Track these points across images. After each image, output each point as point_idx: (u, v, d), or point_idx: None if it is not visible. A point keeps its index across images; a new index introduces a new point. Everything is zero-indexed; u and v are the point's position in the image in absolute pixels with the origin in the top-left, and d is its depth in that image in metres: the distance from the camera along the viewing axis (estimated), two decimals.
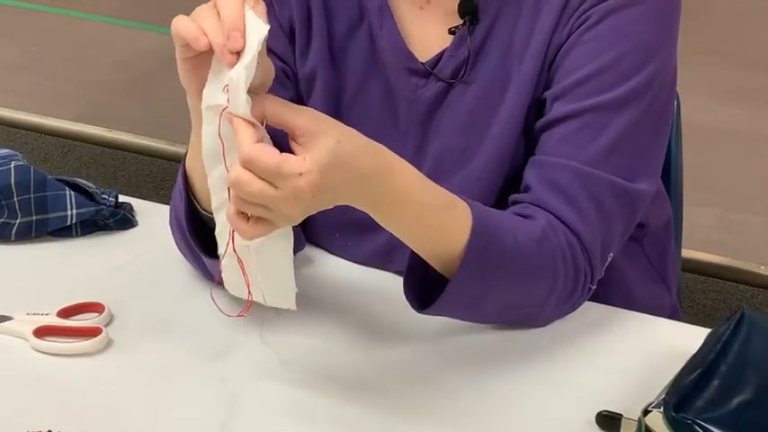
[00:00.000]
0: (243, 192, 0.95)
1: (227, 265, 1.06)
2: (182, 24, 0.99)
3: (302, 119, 0.98)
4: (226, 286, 1.10)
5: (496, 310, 1.18)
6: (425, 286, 1.13)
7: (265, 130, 0.98)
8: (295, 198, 0.96)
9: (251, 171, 0.94)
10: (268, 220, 0.98)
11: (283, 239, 1.04)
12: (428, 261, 1.12)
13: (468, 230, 1.09)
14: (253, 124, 0.96)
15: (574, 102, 1.19)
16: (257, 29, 0.96)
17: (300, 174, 0.95)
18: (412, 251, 1.12)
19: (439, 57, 1.25)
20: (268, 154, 0.94)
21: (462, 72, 1.24)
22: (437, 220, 1.09)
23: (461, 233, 1.09)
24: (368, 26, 1.27)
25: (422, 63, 1.25)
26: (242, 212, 0.98)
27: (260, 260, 1.04)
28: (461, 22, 1.23)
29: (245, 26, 0.96)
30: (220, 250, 1.07)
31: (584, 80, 1.19)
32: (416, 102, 1.26)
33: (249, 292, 1.06)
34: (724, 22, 4.14)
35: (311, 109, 1.01)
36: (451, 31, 1.24)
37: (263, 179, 0.95)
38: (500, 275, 1.13)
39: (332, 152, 0.97)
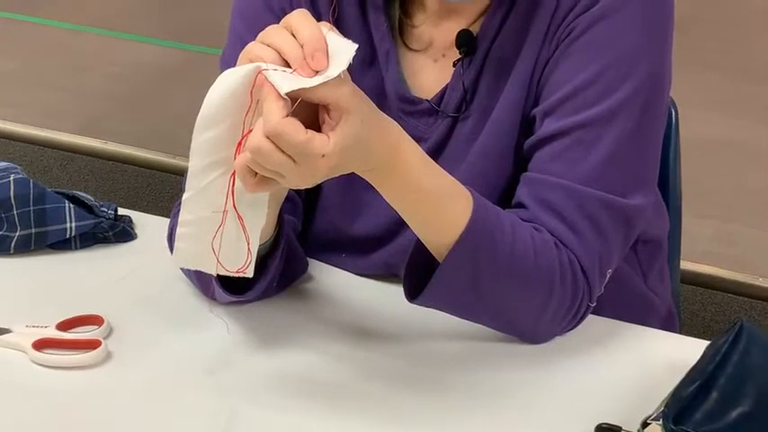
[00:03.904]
0: (262, 160, 0.97)
1: (190, 234, 1.06)
2: (259, 52, 0.99)
3: (333, 95, 0.98)
4: (178, 258, 1.10)
5: (486, 313, 1.18)
6: (423, 278, 1.13)
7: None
8: (312, 175, 0.99)
9: (274, 143, 0.96)
10: (275, 180, 1.00)
11: (259, 208, 1.06)
12: (427, 246, 1.12)
13: (464, 223, 1.10)
14: (283, 98, 0.96)
15: (563, 118, 1.18)
16: (345, 47, 0.99)
17: (323, 155, 0.97)
18: (417, 240, 1.13)
19: (443, 92, 1.25)
20: (296, 131, 0.96)
21: (463, 104, 1.24)
22: (435, 206, 1.10)
23: (458, 224, 1.10)
24: (378, 66, 1.26)
25: (427, 101, 1.25)
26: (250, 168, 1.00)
27: (228, 228, 1.05)
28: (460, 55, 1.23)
29: (327, 46, 0.98)
30: (183, 217, 1.07)
31: (572, 95, 1.18)
32: (427, 140, 1.25)
33: (216, 257, 1.06)
34: (721, 34, 4.14)
35: (339, 80, 0.99)
36: (453, 64, 1.24)
37: (283, 152, 0.96)
38: (491, 274, 1.13)
39: (355, 134, 0.99)
